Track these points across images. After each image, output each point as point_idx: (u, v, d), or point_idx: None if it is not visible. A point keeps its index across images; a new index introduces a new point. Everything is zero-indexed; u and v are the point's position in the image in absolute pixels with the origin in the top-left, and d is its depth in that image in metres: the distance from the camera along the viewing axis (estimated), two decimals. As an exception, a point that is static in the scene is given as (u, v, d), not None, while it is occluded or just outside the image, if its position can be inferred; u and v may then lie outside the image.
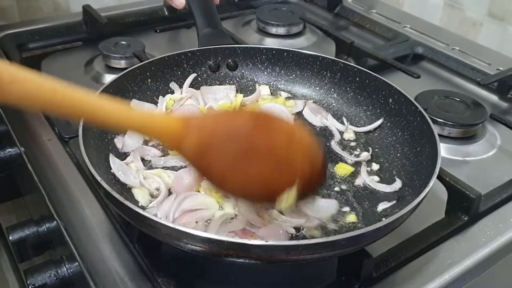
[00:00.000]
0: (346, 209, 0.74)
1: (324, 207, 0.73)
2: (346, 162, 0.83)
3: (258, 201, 0.65)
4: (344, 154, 0.84)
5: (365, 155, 0.84)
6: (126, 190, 0.74)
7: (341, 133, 0.89)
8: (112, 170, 0.75)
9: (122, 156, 0.81)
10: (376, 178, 0.80)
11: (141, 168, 0.78)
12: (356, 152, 0.86)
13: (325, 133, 0.90)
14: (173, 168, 0.79)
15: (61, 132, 0.90)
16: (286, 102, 0.95)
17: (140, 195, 0.74)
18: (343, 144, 0.87)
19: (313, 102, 0.95)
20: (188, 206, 0.71)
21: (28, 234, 0.82)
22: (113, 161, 0.76)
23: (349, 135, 0.89)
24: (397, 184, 0.77)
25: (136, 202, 0.73)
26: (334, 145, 0.86)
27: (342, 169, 0.81)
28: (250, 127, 0.60)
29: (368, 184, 0.78)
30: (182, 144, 0.58)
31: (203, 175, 0.61)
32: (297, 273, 0.70)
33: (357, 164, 0.82)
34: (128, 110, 0.59)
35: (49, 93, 0.51)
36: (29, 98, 0.50)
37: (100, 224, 0.74)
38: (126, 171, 0.76)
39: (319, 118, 0.92)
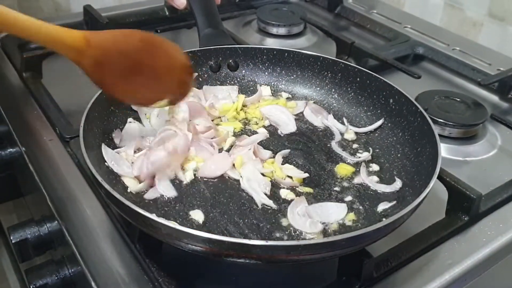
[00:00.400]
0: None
1: (333, 212, 0.72)
2: (346, 163, 0.83)
3: (140, 104, 0.82)
4: (345, 154, 0.84)
5: (365, 155, 0.84)
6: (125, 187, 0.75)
7: (342, 133, 0.89)
8: (106, 162, 0.75)
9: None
10: (376, 178, 0.80)
11: (130, 155, 0.79)
12: (357, 153, 0.86)
13: (326, 134, 0.90)
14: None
15: (62, 132, 0.90)
16: (287, 103, 0.95)
17: (130, 182, 0.75)
18: (344, 144, 0.87)
19: (314, 102, 0.95)
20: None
21: (29, 234, 0.82)
22: (106, 151, 0.76)
23: (349, 135, 0.89)
24: (397, 184, 0.77)
25: (125, 188, 0.74)
26: (334, 145, 0.86)
27: (342, 169, 0.81)
28: (139, 48, 0.74)
29: (368, 185, 0.78)
30: (83, 58, 0.70)
31: (97, 85, 0.75)
32: (297, 273, 0.70)
33: (357, 165, 0.82)
34: (37, 23, 0.67)
35: None
36: None
37: (101, 224, 0.75)
38: (119, 160, 0.76)
39: (320, 119, 0.92)
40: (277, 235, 0.68)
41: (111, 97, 0.77)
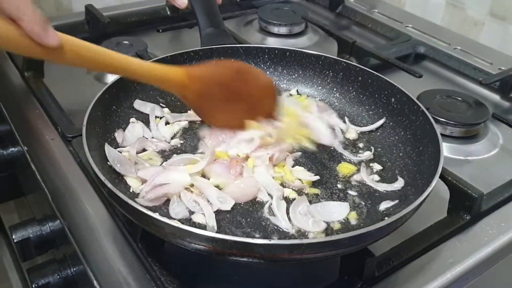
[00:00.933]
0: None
1: (336, 211, 0.72)
2: (348, 162, 0.83)
3: (235, 129, 0.83)
4: (347, 153, 0.85)
5: (367, 155, 0.84)
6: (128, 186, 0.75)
7: (344, 132, 0.89)
8: (108, 162, 0.75)
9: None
10: (378, 177, 0.80)
11: (133, 155, 0.79)
12: (359, 152, 0.86)
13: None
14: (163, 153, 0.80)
15: (64, 132, 0.90)
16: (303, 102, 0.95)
17: (133, 182, 0.75)
18: (346, 143, 0.87)
19: (320, 100, 0.95)
20: (158, 181, 0.73)
21: (31, 233, 0.82)
22: (109, 151, 0.76)
23: (351, 134, 0.89)
24: (399, 183, 0.77)
25: (128, 187, 0.74)
26: (337, 144, 0.86)
27: (344, 168, 0.81)
28: (235, 79, 0.82)
29: (370, 184, 0.78)
30: (186, 92, 0.77)
31: (199, 114, 0.83)
32: (299, 272, 0.70)
33: (359, 164, 0.82)
34: (145, 64, 0.74)
35: (93, 56, 0.67)
36: (80, 60, 0.66)
37: (103, 223, 0.75)
38: (122, 160, 0.76)
39: (324, 117, 0.91)
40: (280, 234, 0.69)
41: (215, 126, 0.84)
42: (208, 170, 0.77)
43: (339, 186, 0.78)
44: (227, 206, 0.71)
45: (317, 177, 0.78)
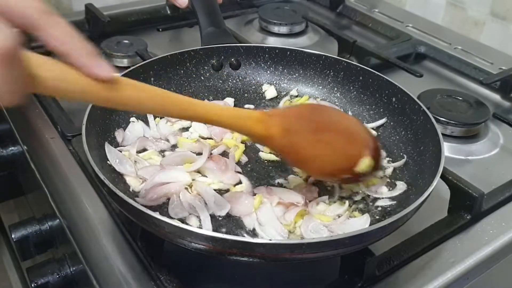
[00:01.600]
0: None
1: (358, 226, 0.69)
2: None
3: (333, 176, 0.72)
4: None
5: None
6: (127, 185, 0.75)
7: None
8: (108, 161, 0.75)
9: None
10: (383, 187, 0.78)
11: (133, 154, 0.78)
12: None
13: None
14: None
15: (64, 131, 0.90)
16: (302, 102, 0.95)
17: (132, 181, 0.74)
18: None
19: (321, 99, 0.95)
20: (159, 180, 0.72)
21: (31, 232, 0.82)
22: (109, 150, 0.76)
23: None
24: (401, 188, 0.77)
25: (127, 187, 0.74)
26: None
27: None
28: (313, 109, 0.75)
29: (372, 189, 0.77)
30: (269, 128, 0.68)
31: (290, 160, 0.73)
32: (300, 272, 0.70)
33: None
34: (222, 109, 0.67)
35: (158, 100, 0.60)
36: (142, 105, 0.60)
37: (103, 222, 0.74)
38: (122, 159, 0.76)
39: None
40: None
41: (308, 172, 0.75)
42: (204, 168, 0.77)
43: (341, 188, 0.77)
44: (223, 212, 0.70)
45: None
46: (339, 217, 0.71)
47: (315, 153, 0.69)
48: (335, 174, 0.71)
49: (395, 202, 0.74)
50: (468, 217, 0.77)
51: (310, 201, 0.73)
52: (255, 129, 0.67)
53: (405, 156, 0.82)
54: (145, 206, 0.60)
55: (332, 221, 0.70)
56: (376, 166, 0.71)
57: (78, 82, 0.52)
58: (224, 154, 0.82)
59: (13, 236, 0.81)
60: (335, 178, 0.72)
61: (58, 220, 0.79)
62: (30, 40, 0.49)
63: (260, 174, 0.79)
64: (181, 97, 0.63)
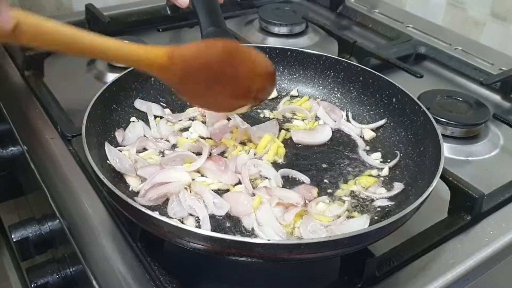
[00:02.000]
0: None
1: (357, 226, 0.68)
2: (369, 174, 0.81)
3: (222, 111, 0.84)
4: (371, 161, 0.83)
5: (377, 156, 0.84)
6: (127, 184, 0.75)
7: (360, 135, 0.89)
8: (108, 161, 0.75)
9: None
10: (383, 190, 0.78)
11: (133, 154, 0.79)
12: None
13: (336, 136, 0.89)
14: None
15: (64, 131, 0.90)
16: (302, 104, 0.95)
17: (132, 180, 0.75)
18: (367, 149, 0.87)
19: (321, 100, 0.95)
20: (158, 179, 0.72)
21: (30, 233, 0.82)
22: (109, 149, 0.76)
23: (368, 134, 0.88)
24: (398, 188, 0.77)
25: (127, 187, 0.74)
26: (361, 153, 0.85)
27: (366, 181, 0.79)
28: (221, 59, 0.73)
29: (370, 189, 0.77)
30: (167, 75, 0.71)
31: (182, 96, 0.80)
32: (299, 272, 0.70)
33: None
34: (123, 44, 0.68)
35: (61, 38, 0.62)
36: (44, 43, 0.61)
37: (103, 222, 0.74)
38: (122, 159, 0.76)
39: (333, 119, 0.91)
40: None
41: (200, 107, 0.81)
42: (203, 168, 0.77)
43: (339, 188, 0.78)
44: (222, 212, 0.70)
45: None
46: (338, 217, 0.71)
47: (203, 98, 0.75)
48: (215, 111, 0.82)
49: (394, 202, 0.74)
50: (468, 218, 0.77)
51: (309, 201, 0.73)
52: (150, 71, 0.71)
53: (398, 153, 0.82)
54: (145, 206, 0.60)
55: (331, 221, 0.70)
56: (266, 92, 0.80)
57: None
58: (224, 154, 0.82)
59: (13, 236, 0.81)
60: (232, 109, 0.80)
61: (58, 220, 0.79)
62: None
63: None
64: (77, 33, 0.63)
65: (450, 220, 0.77)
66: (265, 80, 0.79)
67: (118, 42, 0.68)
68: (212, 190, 0.74)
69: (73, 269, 0.77)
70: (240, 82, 0.75)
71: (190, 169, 0.76)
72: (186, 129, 0.87)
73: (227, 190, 0.75)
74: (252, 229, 0.69)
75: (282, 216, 0.70)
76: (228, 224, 0.69)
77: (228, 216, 0.71)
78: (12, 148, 0.99)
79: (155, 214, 0.58)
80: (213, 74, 0.72)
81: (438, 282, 0.69)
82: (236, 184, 0.76)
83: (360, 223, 0.69)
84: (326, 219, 0.70)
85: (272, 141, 0.83)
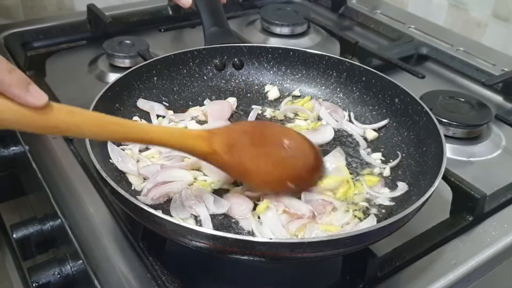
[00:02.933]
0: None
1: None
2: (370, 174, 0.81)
3: (276, 189, 0.73)
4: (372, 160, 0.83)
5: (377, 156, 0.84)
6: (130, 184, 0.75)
7: (363, 136, 0.88)
8: (110, 160, 0.75)
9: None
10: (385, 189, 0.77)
11: (135, 153, 0.79)
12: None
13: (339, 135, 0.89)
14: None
15: (66, 130, 0.89)
16: (304, 105, 0.94)
17: (134, 179, 0.75)
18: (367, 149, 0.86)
19: (324, 100, 0.95)
20: (161, 179, 0.72)
21: (32, 232, 0.82)
22: (112, 148, 0.76)
23: (370, 135, 0.88)
24: (402, 188, 0.76)
25: (130, 185, 0.74)
26: (363, 153, 0.85)
27: (368, 181, 0.79)
28: (255, 125, 0.79)
29: (373, 189, 0.77)
30: (212, 152, 0.68)
31: (234, 175, 0.73)
32: (301, 272, 0.70)
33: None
34: (165, 130, 0.68)
35: (97, 124, 0.59)
36: (81, 130, 0.58)
37: (104, 222, 0.74)
38: (124, 158, 0.76)
39: (335, 119, 0.91)
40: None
41: (251, 183, 0.74)
42: (204, 167, 0.77)
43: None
44: (222, 210, 0.70)
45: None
46: (347, 224, 0.70)
47: (257, 165, 0.71)
48: (276, 186, 0.72)
49: (396, 202, 0.74)
50: (470, 219, 0.77)
51: (319, 214, 0.71)
52: (198, 147, 0.68)
53: (400, 153, 0.82)
54: (147, 205, 0.60)
55: (340, 229, 0.68)
56: (315, 178, 0.76)
57: (13, 112, 0.52)
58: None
59: (14, 236, 0.81)
60: (277, 189, 0.73)
61: (59, 220, 0.79)
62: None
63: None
64: (122, 120, 0.63)
65: (452, 221, 0.77)
66: (312, 156, 0.77)
67: (159, 130, 0.69)
68: (213, 189, 0.74)
69: (75, 268, 0.77)
70: (282, 143, 0.75)
71: (189, 162, 0.76)
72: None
73: (228, 190, 0.75)
74: (252, 230, 0.68)
75: (287, 225, 0.69)
76: (228, 224, 0.69)
77: (228, 216, 0.70)
78: (14, 148, 0.99)
79: (158, 213, 0.58)
80: (253, 135, 0.74)
81: (440, 282, 0.69)
82: (236, 184, 0.76)
83: (367, 225, 0.68)
84: (334, 228, 0.69)
85: None
